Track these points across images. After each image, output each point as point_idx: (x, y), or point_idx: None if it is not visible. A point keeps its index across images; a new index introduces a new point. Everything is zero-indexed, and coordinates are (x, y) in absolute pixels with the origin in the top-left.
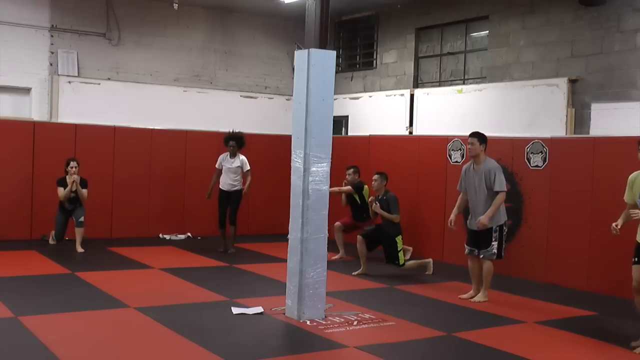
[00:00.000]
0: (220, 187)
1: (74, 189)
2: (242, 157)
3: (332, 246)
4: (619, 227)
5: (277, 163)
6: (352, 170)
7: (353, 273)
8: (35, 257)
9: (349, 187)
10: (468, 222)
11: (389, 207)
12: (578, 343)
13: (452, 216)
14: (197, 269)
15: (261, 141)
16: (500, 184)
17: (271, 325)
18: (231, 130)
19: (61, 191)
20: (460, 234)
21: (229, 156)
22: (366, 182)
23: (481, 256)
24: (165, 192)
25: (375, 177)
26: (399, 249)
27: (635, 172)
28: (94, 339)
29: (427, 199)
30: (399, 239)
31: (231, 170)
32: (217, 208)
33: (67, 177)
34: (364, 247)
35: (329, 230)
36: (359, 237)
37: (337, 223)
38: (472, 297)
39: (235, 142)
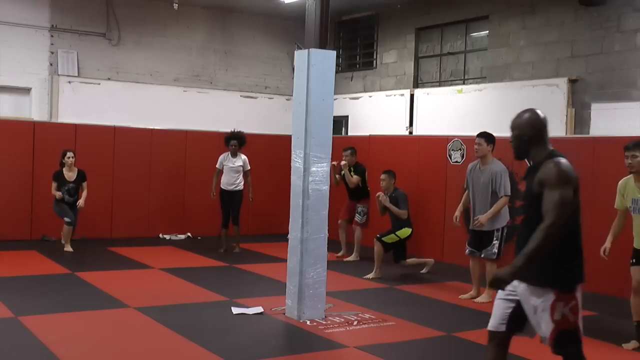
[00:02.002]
0: (221, 186)
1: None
2: (244, 156)
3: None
4: (607, 251)
5: (277, 163)
6: (349, 152)
7: (364, 277)
8: (35, 257)
9: (357, 178)
10: (471, 224)
11: (397, 204)
12: None
13: (457, 212)
14: (197, 269)
15: (261, 141)
16: (506, 188)
17: (271, 325)
18: (233, 130)
19: (55, 188)
20: (460, 234)
21: (230, 155)
22: (371, 187)
23: (482, 256)
24: (165, 192)
25: (383, 176)
26: (396, 231)
27: (624, 178)
28: (94, 339)
29: (427, 199)
30: (405, 229)
31: (233, 169)
32: (220, 209)
33: (63, 169)
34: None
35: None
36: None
37: (340, 220)
38: (473, 297)
39: (237, 141)
